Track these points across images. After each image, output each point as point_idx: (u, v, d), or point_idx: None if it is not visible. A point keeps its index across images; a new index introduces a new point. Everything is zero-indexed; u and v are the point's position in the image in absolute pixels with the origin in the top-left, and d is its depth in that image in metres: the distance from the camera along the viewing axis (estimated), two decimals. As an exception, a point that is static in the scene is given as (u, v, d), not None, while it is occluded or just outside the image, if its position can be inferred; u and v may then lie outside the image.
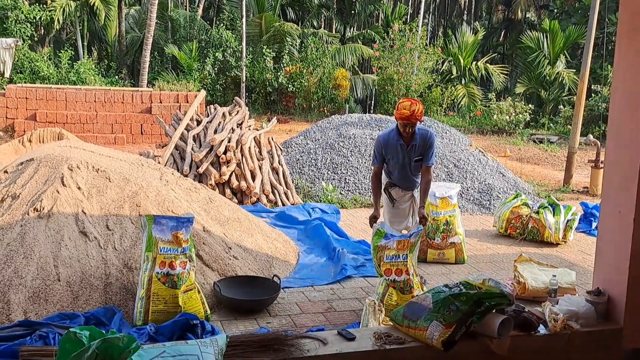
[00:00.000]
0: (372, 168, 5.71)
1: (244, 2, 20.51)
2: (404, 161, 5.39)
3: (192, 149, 9.01)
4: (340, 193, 9.17)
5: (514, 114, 18.18)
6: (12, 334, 4.15)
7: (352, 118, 11.44)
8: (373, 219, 5.45)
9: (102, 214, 5.27)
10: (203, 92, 12.73)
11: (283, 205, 8.55)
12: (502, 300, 2.98)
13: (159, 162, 7.92)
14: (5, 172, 5.71)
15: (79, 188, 5.38)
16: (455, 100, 21.31)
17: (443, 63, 22.56)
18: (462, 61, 22.02)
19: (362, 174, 9.44)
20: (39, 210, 5.09)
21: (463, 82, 22.01)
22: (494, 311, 2.99)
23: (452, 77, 22.37)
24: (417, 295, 3.35)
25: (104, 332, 2.69)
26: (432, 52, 20.33)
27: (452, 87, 21.31)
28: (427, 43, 21.60)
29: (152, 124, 14.90)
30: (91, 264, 4.88)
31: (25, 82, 17.40)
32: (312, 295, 5.50)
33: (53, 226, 5.02)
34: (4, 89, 14.52)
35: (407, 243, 4.82)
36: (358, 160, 9.66)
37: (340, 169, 9.55)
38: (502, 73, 22.78)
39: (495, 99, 20.73)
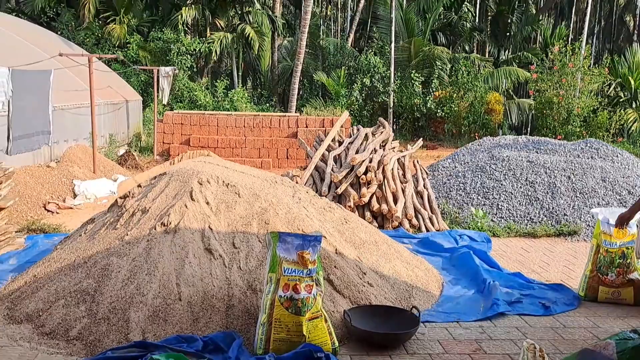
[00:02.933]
0: None
1: (393, 28, 20.17)
2: None
3: (331, 170, 8.62)
4: (492, 220, 8.27)
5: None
6: (125, 355, 3.88)
7: (506, 140, 10.47)
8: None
9: (229, 231, 4.95)
10: (346, 113, 12.39)
11: (427, 231, 7.85)
12: None
13: (296, 182, 7.58)
14: (139, 186, 5.61)
15: (207, 203, 5.12)
16: (625, 125, 19.24)
17: (610, 85, 20.57)
18: (632, 83, 19.92)
19: (516, 200, 8.48)
20: (165, 225, 4.88)
21: (634, 105, 19.88)
22: None
23: (621, 100, 20.29)
24: (596, 343, 2.56)
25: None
26: (597, 74, 18.56)
27: (621, 111, 19.29)
28: (592, 64, 19.82)
29: (297, 149, 14.85)
30: (214, 284, 4.54)
31: (183, 110, 18.25)
32: (458, 332, 4.75)
33: (178, 242, 4.76)
34: (162, 116, 15.24)
35: None
36: (512, 185, 8.70)
37: (492, 194, 8.66)
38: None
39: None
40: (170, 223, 4.88)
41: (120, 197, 5.51)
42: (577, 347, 4.48)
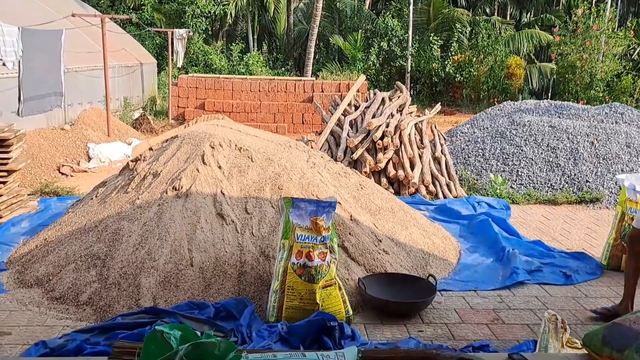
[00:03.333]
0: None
1: (411, -10, 19.71)
2: None
3: (347, 135, 8.45)
4: (511, 187, 8.09)
5: None
6: (136, 321, 3.81)
7: (527, 105, 10.19)
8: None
9: (242, 196, 4.83)
10: (362, 77, 12.12)
11: (444, 197, 7.69)
12: None
13: (311, 147, 7.43)
14: (151, 149, 5.50)
15: (219, 167, 4.99)
16: (649, 90, 18.76)
17: (635, 49, 19.99)
18: (658, 46, 19.37)
19: (537, 166, 8.26)
20: (177, 189, 4.77)
21: (659, 70, 19.36)
22: None
23: (646, 64, 19.77)
24: (625, 316, 2.41)
25: (199, 334, 2.13)
26: (622, 36, 18.00)
27: (646, 76, 18.79)
28: (617, 27, 19.22)
29: (313, 114, 14.63)
30: (226, 250, 4.44)
31: (197, 73, 18.06)
32: (475, 301, 4.63)
33: (190, 207, 4.66)
34: (176, 80, 15.08)
35: None
36: (533, 151, 8.48)
37: (512, 160, 8.45)
38: None
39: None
40: (181, 187, 4.77)
41: (132, 160, 5.41)
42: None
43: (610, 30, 17.90)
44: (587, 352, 2.46)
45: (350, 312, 4.14)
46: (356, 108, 9.47)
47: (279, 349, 3.60)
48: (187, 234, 4.49)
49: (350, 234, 4.81)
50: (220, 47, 22.08)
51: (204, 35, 20.75)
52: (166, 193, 4.78)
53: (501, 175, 8.18)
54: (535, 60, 21.89)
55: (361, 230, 4.97)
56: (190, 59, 20.04)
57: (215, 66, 19.71)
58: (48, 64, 8.73)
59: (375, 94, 9.91)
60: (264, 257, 4.47)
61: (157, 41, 19.95)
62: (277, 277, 4.05)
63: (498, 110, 10.28)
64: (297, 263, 4.00)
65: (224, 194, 4.78)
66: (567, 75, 17.83)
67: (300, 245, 4.02)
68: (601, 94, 17.39)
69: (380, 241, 5.02)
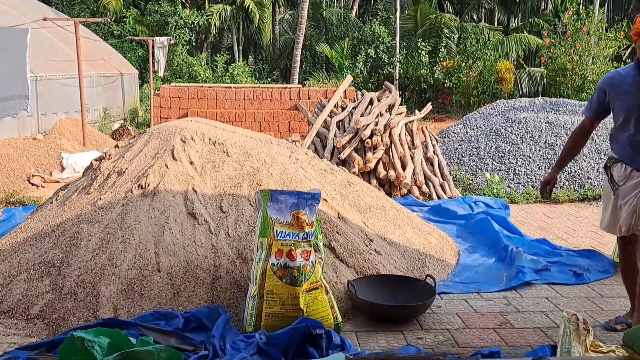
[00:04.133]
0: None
1: (398, -3, 19.40)
2: None
3: (334, 135, 7.99)
4: (509, 186, 7.64)
5: None
6: (90, 334, 3.29)
7: (522, 102, 9.78)
8: (545, 185, 3.87)
9: (216, 193, 4.34)
10: (349, 78, 11.66)
11: (439, 198, 7.22)
12: None
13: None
14: (116, 146, 5.00)
15: (191, 162, 4.51)
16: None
17: (627, 49, 19.73)
18: (649, 47, 19.08)
19: (535, 164, 7.83)
20: (143, 187, 4.27)
21: (650, 71, 19.04)
22: None
23: (638, 65, 19.45)
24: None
25: (132, 340, 1.64)
26: (612, 38, 17.73)
27: (638, 77, 18.47)
28: (607, 28, 18.97)
29: (299, 121, 14.18)
30: (198, 253, 3.94)
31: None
32: (479, 304, 4.15)
33: (158, 206, 4.16)
34: (158, 90, 14.60)
35: None
36: (530, 148, 8.05)
37: (508, 158, 8.01)
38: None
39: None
40: (148, 185, 4.27)
41: (96, 159, 4.90)
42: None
43: (600, 31, 17.63)
44: (628, 354, 2.00)
45: (340, 319, 3.65)
46: (343, 109, 9.02)
47: (257, 362, 3.10)
48: (153, 236, 3.99)
49: (338, 233, 4.33)
50: (205, 59, 21.66)
51: (187, 46, 20.32)
52: (131, 192, 4.27)
53: (497, 174, 7.74)
54: (525, 65, 21.61)
55: (350, 229, 4.49)
56: (174, 71, 19.59)
57: (199, 78, 19.28)
58: (13, 66, 8.19)
59: (362, 94, 9.47)
60: (241, 259, 3.97)
61: (139, 53, 19.48)
62: (255, 280, 3.56)
63: (491, 109, 9.87)
64: (278, 264, 3.51)
65: (195, 191, 4.29)
66: (557, 78, 17.51)
67: (281, 243, 3.53)
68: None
69: (372, 241, 4.53)
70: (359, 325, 3.77)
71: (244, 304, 3.64)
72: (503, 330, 3.73)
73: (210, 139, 4.72)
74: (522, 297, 4.30)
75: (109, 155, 4.86)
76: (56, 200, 4.78)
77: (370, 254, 4.38)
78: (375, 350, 3.41)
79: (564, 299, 4.27)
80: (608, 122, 8.26)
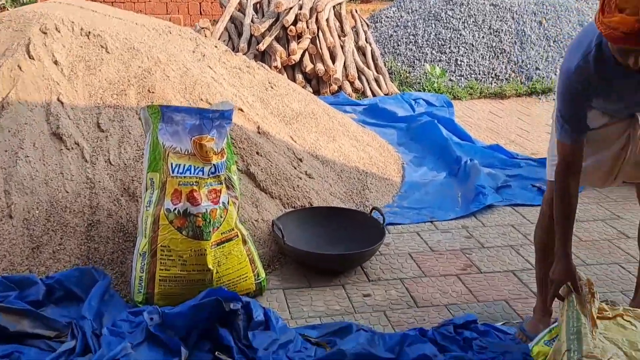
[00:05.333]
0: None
1: None
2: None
3: (251, 21, 6.78)
4: (451, 79, 6.79)
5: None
6: None
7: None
8: (559, 285, 2.16)
9: (92, 105, 3.22)
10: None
11: (374, 95, 6.29)
12: None
13: (205, 36, 5.75)
14: (-47, 39, 3.70)
15: (55, 62, 3.32)
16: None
17: None
18: None
19: (478, 53, 6.98)
20: (-13, 98, 3.09)
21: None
22: None
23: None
24: None
25: None
26: None
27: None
28: None
29: (212, 2, 12.63)
30: (67, 189, 2.89)
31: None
32: (435, 239, 3.36)
33: (8, 124, 3.02)
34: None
35: None
36: (474, 35, 7.15)
37: (449, 47, 7.10)
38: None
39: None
40: (-7, 95, 3.10)
41: None
42: (602, 252, 3.20)
43: None
44: None
45: (262, 275, 2.77)
46: (261, -11, 7.72)
47: (146, 357, 2.19)
48: (2, 168, 2.89)
49: (258, 153, 3.35)
50: None
51: None
52: (-30, 105, 3.10)
53: (438, 66, 6.84)
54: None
55: (273, 146, 3.52)
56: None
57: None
58: None
59: (283, -29, 8.14)
60: (127, 196, 2.96)
61: None
62: (144, 232, 2.58)
63: (428, -11, 8.79)
64: (175, 209, 2.53)
65: (62, 102, 3.15)
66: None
67: (178, 182, 2.53)
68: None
69: (301, 160, 3.59)
70: (289, 278, 2.91)
71: (132, 261, 2.68)
72: (468, 277, 2.97)
73: (82, 29, 3.51)
74: (484, 225, 3.54)
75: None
76: None
77: (300, 178, 3.45)
78: (309, 321, 2.57)
79: (532, 226, 3.53)
80: (557, 3, 7.45)
